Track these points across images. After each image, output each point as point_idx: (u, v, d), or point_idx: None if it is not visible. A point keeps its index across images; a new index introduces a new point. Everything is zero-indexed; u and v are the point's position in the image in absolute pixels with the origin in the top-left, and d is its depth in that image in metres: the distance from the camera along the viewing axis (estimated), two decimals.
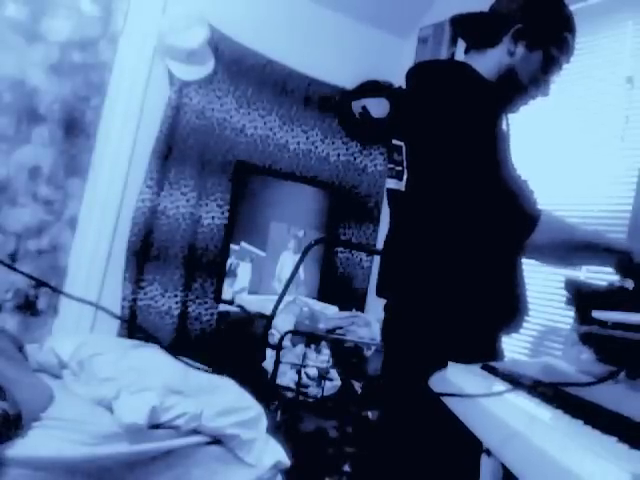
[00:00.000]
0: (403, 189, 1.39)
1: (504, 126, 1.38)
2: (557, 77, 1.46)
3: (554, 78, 1.45)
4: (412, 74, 1.45)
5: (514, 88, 1.42)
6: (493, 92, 1.37)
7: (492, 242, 1.29)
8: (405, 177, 1.39)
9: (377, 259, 3.16)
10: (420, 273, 1.33)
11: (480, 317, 1.32)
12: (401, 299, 1.39)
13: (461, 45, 2.78)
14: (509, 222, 1.25)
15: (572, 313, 1.27)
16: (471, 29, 1.47)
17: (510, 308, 1.37)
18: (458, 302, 1.30)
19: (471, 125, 1.26)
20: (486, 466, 1.25)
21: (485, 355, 1.26)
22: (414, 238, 1.36)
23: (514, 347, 2.23)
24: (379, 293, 1.49)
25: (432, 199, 1.32)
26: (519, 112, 1.49)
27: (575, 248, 1.32)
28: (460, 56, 2.76)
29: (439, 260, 1.31)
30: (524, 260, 1.41)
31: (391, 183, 1.43)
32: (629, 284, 1.21)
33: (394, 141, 1.43)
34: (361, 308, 3.10)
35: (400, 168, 1.40)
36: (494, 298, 1.33)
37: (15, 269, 0.93)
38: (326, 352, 2.45)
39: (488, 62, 1.40)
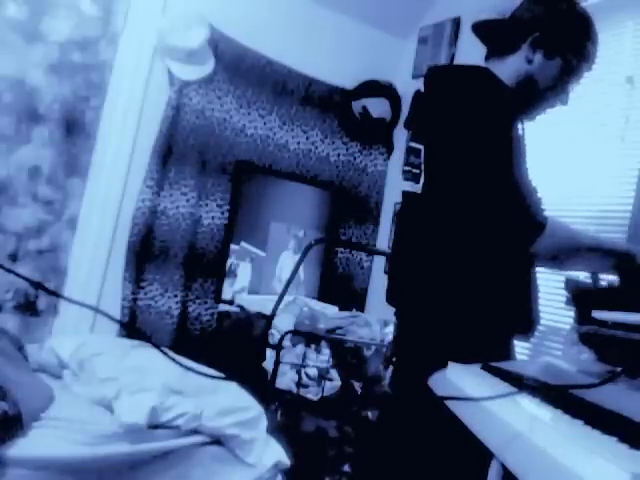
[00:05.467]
0: (419, 192, 1.39)
1: (520, 133, 1.38)
2: (576, 86, 1.45)
3: (573, 87, 1.45)
4: (432, 77, 1.45)
5: (532, 95, 1.41)
6: (511, 98, 1.37)
7: (505, 249, 1.29)
8: (422, 180, 1.39)
9: (377, 259, 3.16)
10: (433, 280, 1.33)
11: (493, 323, 1.32)
12: (414, 306, 1.39)
13: (461, 45, 2.79)
14: (515, 228, 1.25)
15: (572, 313, 1.27)
16: (491, 36, 1.47)
17: (522, 315, 1.36)
18: (472, 309, 1.30)
19: (486, 130, 1.26)
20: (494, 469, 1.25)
21: (498, 360, 1.26)
22: (428, 243, 1.35)
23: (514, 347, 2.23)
24: (389, 301, 1.48)
25: (446, 203, 1.32)
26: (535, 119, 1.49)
27: (580, 254, 1.32)
28: (460, 56, 2.77)
29: (453, 267, 1.30)
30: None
31: (407, 186, 1.43)
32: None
33: (412, 144, 1.43)
34: (361, 308, 3.10)
35: (417, 171, 1.40)
36: (507, 305, 1.32)
37: (14, 272, 0.93)
38: (326, 352, 2.45)
39: (507, 69, 1.40)
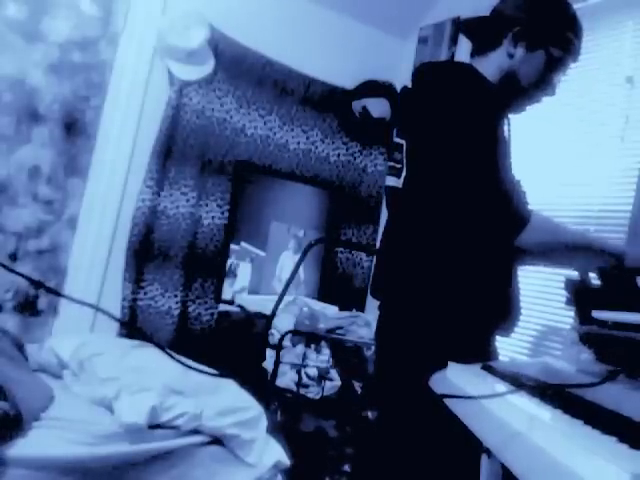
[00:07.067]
0: (400, 186, 1.40)
1: (505, 128, 1.38)
2: (563, 78, 1.45)
3: (559, 79, 1.44)
4: (417, 73, 1.46)
5: (516, 90, 1.41)
6: (494, 94, 1.37)
7: (486, 243, 1.29)
8: (403, 175, 1.39)
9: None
10: (414, 274, 1.34)
11: (473, 318, 1.32)
12: (395, 300, 1.40)
13: (461, 45, 2.79)
14: (499, 222, 1.25)
15: (572, 313, 1.27)
16: (475, 33, 1.47)
17: (502, 310, 1.37)
18: (451, 303, 1.30)
19: (469, 126, 1.26)
20: (486, 466, 1.25)
21: (479, 355, 1.27)
22: (408, 238, 1.36)
23: (514, 347, 2.23)
24: (373, 294, 1.49)
25: (427, 198, 1.33)
26: (522, 113, 1.49)
27: (566, 249, 1.32)
28: (460, 56, 2.77)
29: (433, 261, 1.31)
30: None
31: (390, 181, 1.43)
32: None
33: (395, 139, 1.43)
34: (361, 308, 3.10)
35: (399, 166, 1.40)
36: (487, 299, 1.33)
37: (15, 271, 0.93)
38: (326, 352, 2.45)
39: (490, 65, 1.40)
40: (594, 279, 1.29)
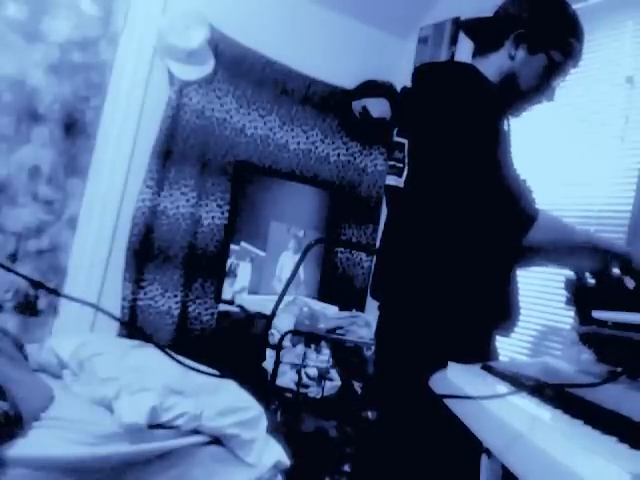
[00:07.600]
0: (402, 186, 1.40)
1: (505, 128, 1.38)
2: (562, 82, 1.45)
3: (559, 83, 1.44)
4: (418, 73, 1.46)
5: (515, 92, 1.41)
6: (494, 94, 1.37)
7: (486, 243, 1.29)
8: (405, 174, 1.39)
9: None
10: (414, 274, 1.34)
11: (473, 318, 1.32)
12: (395, 300, 1.40)
13: (461, 45, 2.79)
14: (506, 221, 1.25)
15: (572, 313, 1.27)
16: (477, 33, 1.48)
17: (502, 310, 1.37)
18: (451, 303, 1.30)
19: (472, 126, 1.26)
20: (486, 467, 1.25)
21: (479, 355, 1.27)
22: (409, 238, 1.36)
23: (514, 347, 2.23)
24: (373, 294, 1.49)
25: (430, 197, 1.33)
26: (521, 115, 1.49)
27: (573, 248, 1.32)
28: (460, 56, 2.77)
29: (433, 261, 1.31)
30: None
31: (391, 180, 1.43)
32: (629, 283, 1.21)
33: (395, 138, 1.43)
34: (361, 308, 3.10)
35: (401, 165, 1.40)
36: (487, 299, 1.33)
37: (14, 271, 0.93)
38: (326, 352, 2.45)
39: (491, 66, 1.40)
40: (590, 278, 1.29)
